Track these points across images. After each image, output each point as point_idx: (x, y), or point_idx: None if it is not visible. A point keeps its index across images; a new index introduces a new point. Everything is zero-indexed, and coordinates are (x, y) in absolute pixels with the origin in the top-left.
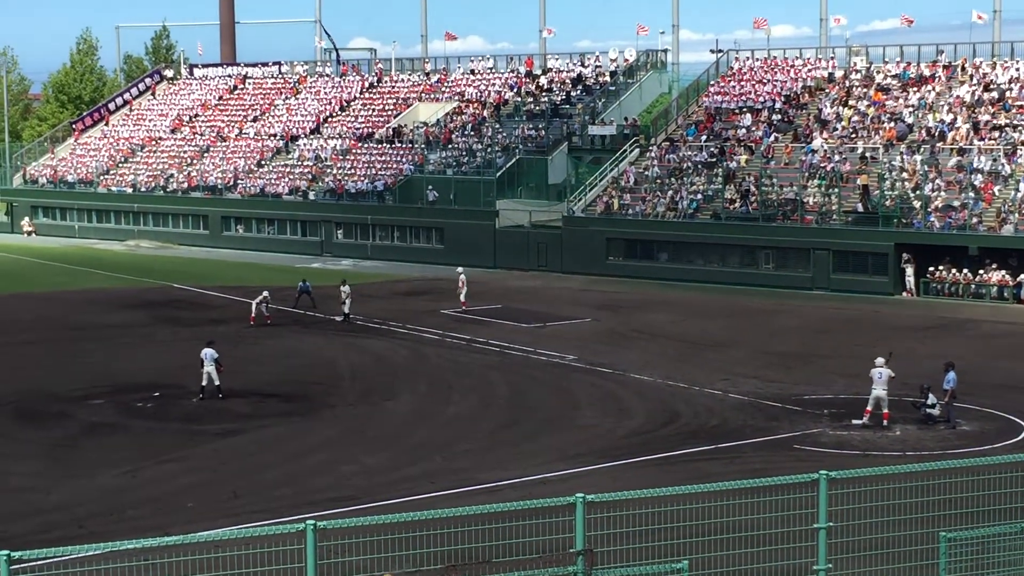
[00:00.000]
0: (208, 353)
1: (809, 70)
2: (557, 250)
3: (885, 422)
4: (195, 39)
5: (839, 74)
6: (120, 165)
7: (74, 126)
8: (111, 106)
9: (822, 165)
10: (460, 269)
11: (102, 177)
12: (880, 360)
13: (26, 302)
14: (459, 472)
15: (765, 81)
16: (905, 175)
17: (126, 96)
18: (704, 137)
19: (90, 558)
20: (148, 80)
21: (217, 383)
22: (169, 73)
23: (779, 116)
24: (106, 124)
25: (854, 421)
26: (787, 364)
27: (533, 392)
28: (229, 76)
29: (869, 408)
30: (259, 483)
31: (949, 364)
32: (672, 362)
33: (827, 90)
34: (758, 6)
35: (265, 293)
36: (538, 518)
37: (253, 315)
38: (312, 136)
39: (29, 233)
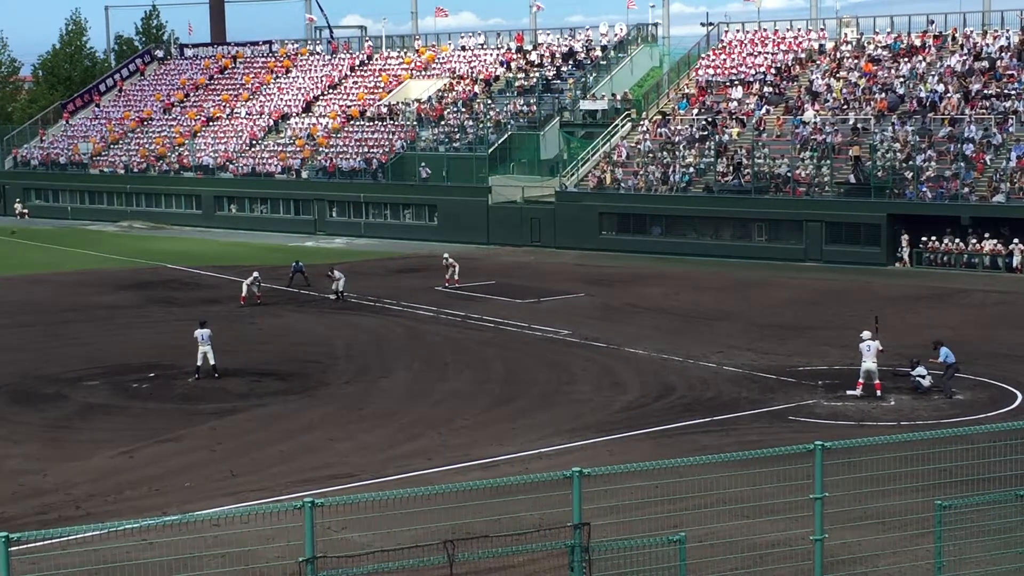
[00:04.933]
0: (203, 334)
1: (800, 42)
2: (550, 225)
3: (878, 392)
4: (185, 19)
5: (830, 45)
6: (112, 146)
7: (64, 108)
8: (101, 87)
9: (814, 137)
10: (446, 254)
11: (94, 159)
12: (867, 334)
13: (20, 284)
14: (456, 448)
15: (756, 54)
16: (897, 146)
17: (116, 77)
18: (696, 110)
19: (89, 539)
20: (138, 61)
21: (213, 363)
22: (159, 53)
23: (770, 88)
24: (97, 105)
25: (848, 392)
26: (781, 336)
27: (528, 367)
28: (220, 56)
29: (861, 380)
30: (256, 462)
31: (937, 342)
32: (666, 335)
33: (818, 62)
34: None
35: (255, 273)
36: (535, 492)
37: (244, 295)
38: (304, 115)
39: (21, 215)
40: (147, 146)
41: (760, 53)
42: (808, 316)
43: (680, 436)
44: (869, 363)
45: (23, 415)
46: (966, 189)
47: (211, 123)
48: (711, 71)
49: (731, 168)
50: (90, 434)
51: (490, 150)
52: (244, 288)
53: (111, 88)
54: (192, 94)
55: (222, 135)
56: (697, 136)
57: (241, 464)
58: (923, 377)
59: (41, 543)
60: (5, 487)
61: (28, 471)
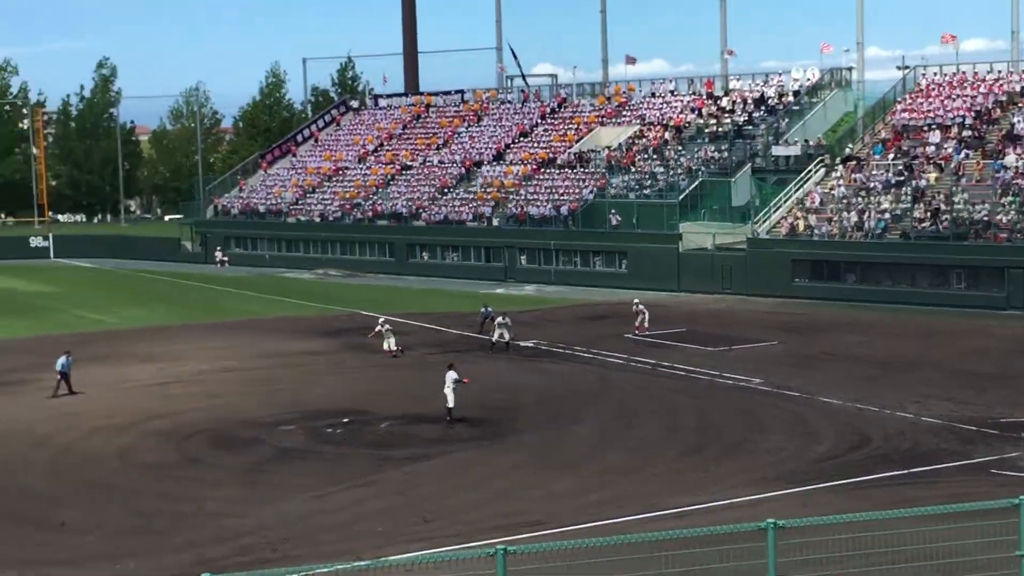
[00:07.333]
0: (450, 376)
1: (1000, 84)
2: (742, 272)
3: None
4: (379, 69)
5: None
6: (308, 195)
7: (263, 158)
8: (298, 137)
9: (1015, 182)
10: (637, 300)
11: (291, 207)
12: None
13: (220, 330)
14: (646, 497)
15: (954, 97)
16: None
17: (312, 128)
18: (891, 155)
19: None
20: (334, 111)
21: (449, 405)
22: (355, 103)
23: (969, 132)
24: (293, 155)
25: None
26: (981, 385)
27: (719, 416)
28: (412, 105)
29: None
30: (448, 508)
31: None
32: (861, 384)
33: (1019, 104)
34: (947, 21)
35: (382, 319)
36: (727, 544)
37: (392, 350)
38: (494, 163)
39: (222, 263)
40: (342, 194)
41: (959, 96)
42: (1011, 366)
43: (876, 488)
44: None
45: (222, 458)
46: None
47: (404, 171)
48: (907, 115)
49: (928, 214)
50: (285, 478)
51: (681, 197)
52: (388, 344)
53: (307, 139)
54: (386, 143)
55: (415, 183)
56: (893, 181)
57: (433, 510)
58: None
59: None
60: (206, 529)
61: (227, 514)
